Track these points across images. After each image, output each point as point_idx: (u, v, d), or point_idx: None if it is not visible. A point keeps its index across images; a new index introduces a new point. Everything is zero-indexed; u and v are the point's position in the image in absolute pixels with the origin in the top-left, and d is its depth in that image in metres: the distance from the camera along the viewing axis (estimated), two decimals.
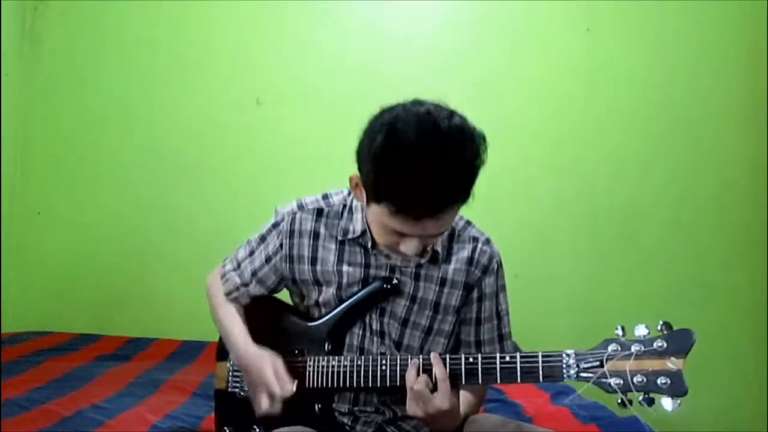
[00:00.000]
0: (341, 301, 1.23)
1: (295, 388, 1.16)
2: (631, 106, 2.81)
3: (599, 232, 2.79)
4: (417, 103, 1.04)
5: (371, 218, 1.12)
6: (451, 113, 1.03)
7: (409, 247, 1.07)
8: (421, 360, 1.10)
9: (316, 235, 1.24)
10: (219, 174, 2.87)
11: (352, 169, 1.12)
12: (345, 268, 1.22)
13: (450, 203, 1.03)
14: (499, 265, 1.27)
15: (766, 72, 2.72)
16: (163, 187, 2.86)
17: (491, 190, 2.90)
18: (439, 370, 1.07)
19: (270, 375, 1.16)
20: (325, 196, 1.27)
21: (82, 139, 2.90)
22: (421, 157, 0.97)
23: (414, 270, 1.22)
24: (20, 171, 2.87)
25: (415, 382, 1.07)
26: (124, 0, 2.88)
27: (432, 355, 1.09)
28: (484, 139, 1.04)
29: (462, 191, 1.03)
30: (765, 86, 2.72)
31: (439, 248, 1.20)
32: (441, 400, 1.05)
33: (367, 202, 1.09)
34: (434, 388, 1.06)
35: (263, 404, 1.16)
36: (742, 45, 2.79)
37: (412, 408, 1.07)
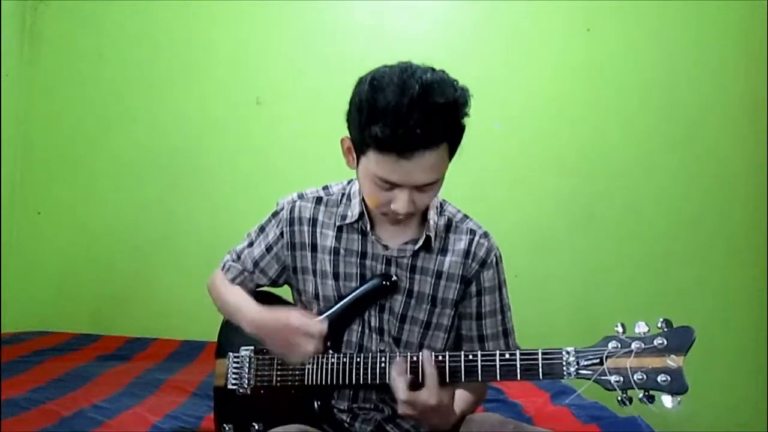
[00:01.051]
0: (340, 297, 1.23)
1: (326, 330, 1.17)
2: (631, 106, 2.81)
3: (599, 232, 2.79)
4: (402, 62, 1.10)
5: (362, 177, 1.13)
6: (434, 69, 1.08)
7: (399, 202, 1.08)
8: (408, 358, 1.10)
9: (314, 222, 1.26)
10: (219, 174, 2.87)
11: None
12: (342, 255, 1.23)
13: (430, 141, 1.03)
14: (498, 259, 1.27)
15: (766, 72, 2.72)
16: (163, 187, 2.86)
17: (491, 190, 2.94)
18: (427, 367, 1.07)
19: (300, 318, 1.17)
20: (325, 187, 1.30)
21: (82, 139, 2.90)
22: (401, 95, 1.01)
23: (410, 262, 1.22)
24: (20, 171, 2.88)
25: (396, 379, 1.08)
26: (124, 0, 2.88)
27: (422, 352, 1.09)
28: (467, 92, 1.08)
29: (442, 132, 1.04)
30: (765, 86, 2.72)
31: (432, 234, 1.21)
32: (428, 395, 1.05)
33: (357, 161, 1.12)
34: (421, 384, 1.06)
35: (304, 345, 1.15)
36: (742, 45, 2.79)
37: (401, 406, 1.08)
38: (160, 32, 2.91)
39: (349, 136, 1.12)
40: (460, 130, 1.08)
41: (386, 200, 1.11)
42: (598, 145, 2.81)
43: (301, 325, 1.16)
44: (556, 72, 2.83)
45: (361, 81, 1.09)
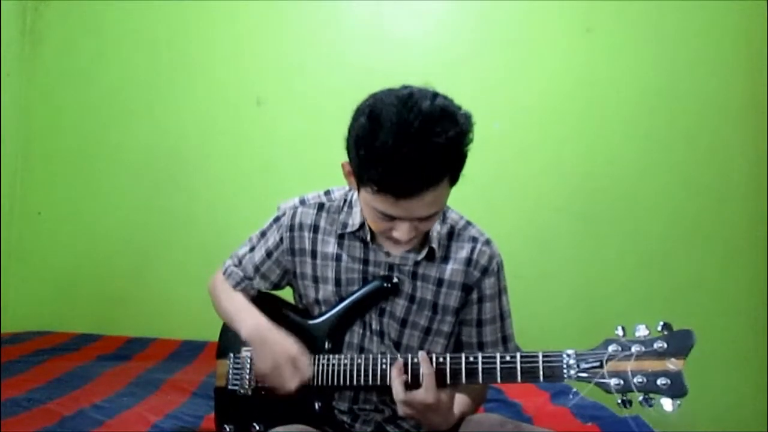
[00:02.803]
0: (341, 299, 1.23)
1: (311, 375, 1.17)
2: (631, 106, 2.81)
3: (599, 233, 2.79)
4: (403, 87, 1.05)
5: (363, 204, 1.12)
6: (435, 95, 1.03)
7: (400, 231, 1.07)
8: (408, 359, 1.10)
9: (316, 229, 1.25)
10: (219, 174, 2.87)
11: None
12: (344, 262, 1.23)
13: (431, 182, 1.00)
14: (500, 266, 1.26)
15: (766, 72, 2.72)
16: (163, 187, 2.86)
17: (491, 190, 2.94)
18: (424, 366, 1.07)
19: (298, 350, 1.17)
20: (327, 192, 1.29)
21: (82, 139, 2.90)
22: (399, 135, 0.97)
23: (412, 269, 1.22)
24: (20, 171, 2.88)
25: (394, 379, 1.08)
26: (124, 0, 2.88)
27: (420, 353, 1.09)
28: (469, 119, 1.04)
29: (443, 170, 1.01)
30: (765, 86, 2.72)
31: (435, 245, 1.20)
32: (425, 395, 1.05)
33: (357, 188, 1.10)
34: (420, 384, 1.06)
35: (287, 377, 1.16)
36: (742, 45, 2.78)
37: (400, 406, 1.08)
38: (160, 32, 2.91)
39: (348, 162, 1.09)
40: (462, 160, 1.04)
41: (387, 228, 1.10)
42: (597, 145, 2.81)
43: (296, 357, 1.16)
44: (555, 72, 2.83)
45: (359, 111, 1.05)
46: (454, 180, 1.06)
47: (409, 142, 0.96)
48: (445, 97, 1.04)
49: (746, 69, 2.78)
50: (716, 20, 2.78)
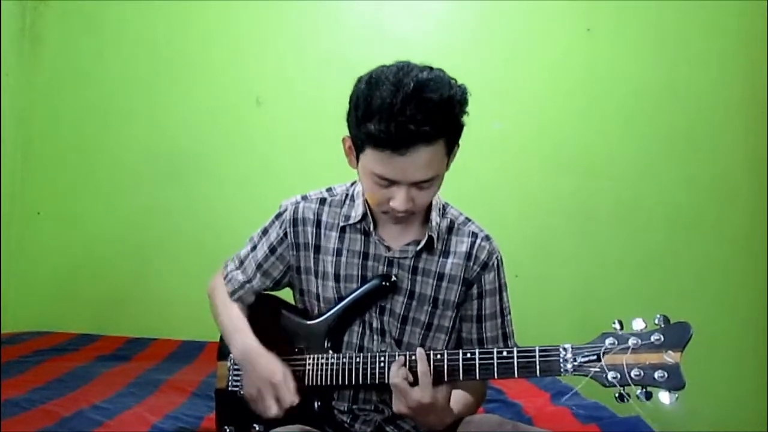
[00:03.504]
0: (341, 298, 1.23)
1: (297, 400, 1.16)
2: (631, 106, 2.81)
3: (599, 232, 2.79)
4: (401, 61, 1.11)
5: (361, 175, 1.14)
6: (432, 68, 1.09)
7: (398, 199, 1.09)
8: (407, 356, 1.10)
9: (318, 223, 1.26)
10: (219, 174, 2.86)
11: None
12: (344, 257, 1.24)
13: (425, 137, 1.03)
14: (500, 262, 1.27)
15: (766, 72, 2.72)
16: (163, 187, 2.86)
17: (492, 190, 2.93)
18: (420, 365, 1.07)
19: (280, 379, 1.16)
20: (329, 189, 1.30)
21: (82, 139, 2.90)
22: (395, 92, 1.02)
23: (412, 263, 1.22)
24: (20, 171, 2.87)
25: (393, 376, 1.08)
26: (124, 0, 2.88)
27: (418, 350, 1.09)
28: (464, 91, 1.09)
29: (437, 128, 1.04)
30: (765, 86, 2.72)
31: (434, 234, 1.21)
32: (421, 393, 1.05)
33: (357, 159, 1.12)
34: (415, 382, 1.06)
35: (268, 405, 1.16)
36: (742, 45, 2.78)
37: (395, 404, 1.08)
38: (160, 32, 2.91)
39: (349, 135, 1.13)
40: (457, 127, 1.09)
41: (385, 198, 1.11)
42: (597, 144, 2.81)
43: (278, 385, 1.16)
44: (556, 72, 2.83)
45: (359, 80, 1.10)
46: (449, 147, 1.09)
47: (404, 97, 1.01)
48: (442, 70, 1.10)
49: (746, 68, 2.78)
50: (716, 20, 2.79)
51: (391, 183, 1.09)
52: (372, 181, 1.10)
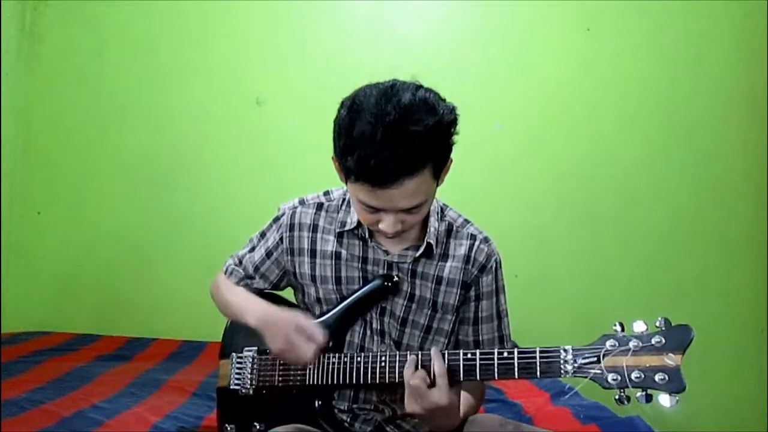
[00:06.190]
0: (342, 298, 1.23)
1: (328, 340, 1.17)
2: (631, 106, 2.81)
3: (599, 232, 2.79)
4: (389, 81, 1.06)
5: (351, 197, 1.13)
6: (418, 87, 1.04)
7: (386, 223, 1.08)
8: (420, 355, 1.09)
9: (315, 228, 1.26)
10: (219, 174, 2.86)
11: None
12: (343, 260, 1.23)
13: (408, 171, 1.00)
14: (498, 264, 1.26)
15: (766, 72, 2.72)
16: (163, 187, 2.86)
17: (492, 190, 2.93)
18: (438, 366, 1.06)
19: (306, 321, 1.16)
20: (326, 192, 1.29)
21: (82, 139, 2.90)
22: (376, 124, 0.98)
23: (411, 267, 1.22)
24: (20, 171, 2.87)
25: (412, 377, 1.06)
26: (124, 0, 2.88)
27: (432, 350, 1.08)
28: (452, 112, 1.04)
29: (420, 159, 1.01)
30: (765, 86, 2.72)
31: (433, 241, 1.20)
32: (439, 395, 1.04)
33: (345, 180, 1.11)
34: (432, 384, 1.06)
35: (302, 349, 1.14)
36: (742, 45, 2.79)
37: (410, 404, 1.07)
38: (160, 32, 2.91)
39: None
40: (444, 151, 1.05)
41: (374, 220, 1.10)
42: (598, 145, 2.81)
43: (307, 327, 1.16)
44: (556, 72, 2.83)
45: (342, 104, 1.07)
46: (437, 171, 1.06)
47: (385, 130, 0.97)
48: (429, 90, 1.05)
49: (746, 69, 2.78)
50: (716, 20, 2.79)
51: (378, 209, 1.07)
52: (360, 207, 1.10)
